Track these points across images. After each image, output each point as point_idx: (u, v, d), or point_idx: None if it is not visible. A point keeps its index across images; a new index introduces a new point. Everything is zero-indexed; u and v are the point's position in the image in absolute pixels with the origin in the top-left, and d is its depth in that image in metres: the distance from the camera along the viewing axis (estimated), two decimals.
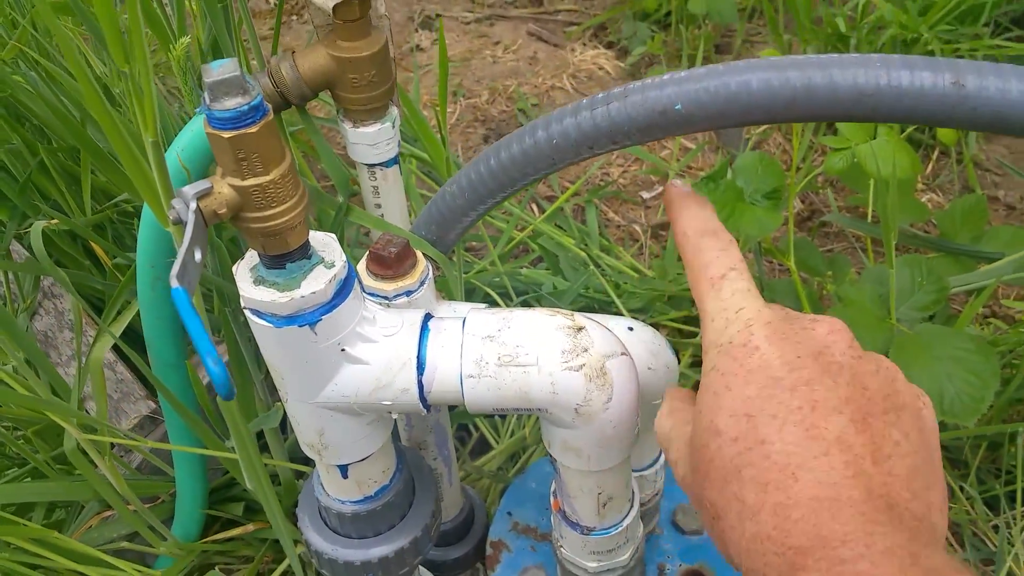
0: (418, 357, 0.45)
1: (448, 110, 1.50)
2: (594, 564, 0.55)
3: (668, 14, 1.60)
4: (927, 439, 0.35)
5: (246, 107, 0.35)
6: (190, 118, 0.59)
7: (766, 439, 0.33)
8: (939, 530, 0.33)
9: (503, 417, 0.95)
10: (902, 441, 0.34)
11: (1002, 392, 0.80)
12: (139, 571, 0.71)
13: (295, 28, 1.79)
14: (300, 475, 0.78)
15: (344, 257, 0.43)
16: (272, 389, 0.76)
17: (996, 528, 0.81)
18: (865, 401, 0.34)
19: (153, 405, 0.78)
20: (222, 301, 0.66)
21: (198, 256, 0.36)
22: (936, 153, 1.35)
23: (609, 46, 1.65)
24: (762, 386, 0.35)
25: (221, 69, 0.35)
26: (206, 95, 0.36)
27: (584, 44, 1.64)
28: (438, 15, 1.75)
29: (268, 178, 0.38)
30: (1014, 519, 0.81)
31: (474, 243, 1.19)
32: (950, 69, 0.36)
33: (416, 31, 1.71)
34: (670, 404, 0.43)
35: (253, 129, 0.36)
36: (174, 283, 0.33)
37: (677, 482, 0.40)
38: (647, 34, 1.57)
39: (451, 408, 0.86)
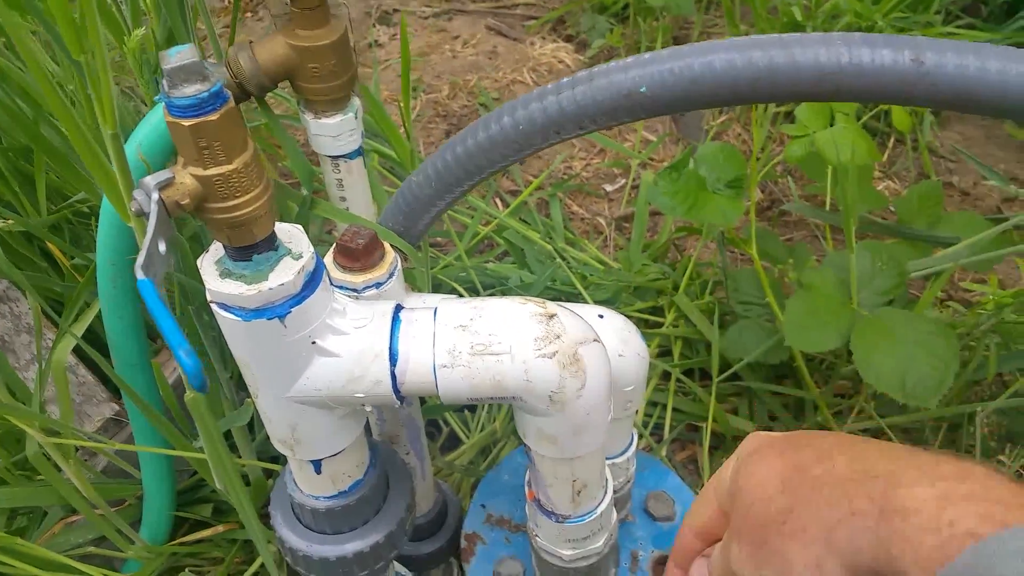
0: (390, 348, 0.45)
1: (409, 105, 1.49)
2: (569, 552, 0.55)
3: (626, 7, 1.61)
4: None
5: (206, 94, 0.35)
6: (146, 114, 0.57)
7: (810, 443, 0.39)
8: None
9: (473, 411, 0.95)
10: None
11: (961, 373, 0.82)
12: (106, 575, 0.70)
13: (249, 25, 1.77)
14: (270, 474, 0.77)
15: (312, 248, 0.43)
16: (239, 388, 0.75)
17: None
18: None
19: (117, 407, 0.77)
20: (184, 299, 0.65)
21: (162, 247, 0.36)
22: (892, 141, 1.37)
23: (568, 39, 1.65)
24: (785, 439, 0.41)
25: (179, 55, 0.34)
26: (165, 82, 0.35)
27: (543, 38, 1.65)
28: (396, 9, 1.74)
29: (231, 167, 0.37)
30: None
31: (440, 238, 1.18)
32: (910, 46, 0.36)
33: (374, 26, 1.70)
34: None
35: (214, 117, 0.35)
36: (140, 274, 0.33)
37: (737, 570, 0.39)
38: (606, 27, 1.58)
39: (422, 401, 0.86)
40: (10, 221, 0.77)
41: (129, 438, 0.73)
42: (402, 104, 0.66)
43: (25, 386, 0.70)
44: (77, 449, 0.73)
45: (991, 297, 0.77)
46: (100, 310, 0.63)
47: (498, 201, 1.28)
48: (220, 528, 0.75)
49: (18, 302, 0.85)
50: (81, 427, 0.75)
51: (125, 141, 0.56)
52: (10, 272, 0.67)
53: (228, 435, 0.73)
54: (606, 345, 0.48)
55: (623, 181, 1.34)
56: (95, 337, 0.67)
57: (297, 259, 0.42)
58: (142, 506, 0.74)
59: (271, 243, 0.42)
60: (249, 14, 1.81)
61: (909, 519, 0.30)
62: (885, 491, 0.31)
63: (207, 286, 0.41)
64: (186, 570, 0.70)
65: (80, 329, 0.64)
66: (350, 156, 0.61)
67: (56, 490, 0.64)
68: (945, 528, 0.29)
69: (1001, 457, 0.83)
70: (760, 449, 0.40)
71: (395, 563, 0.66)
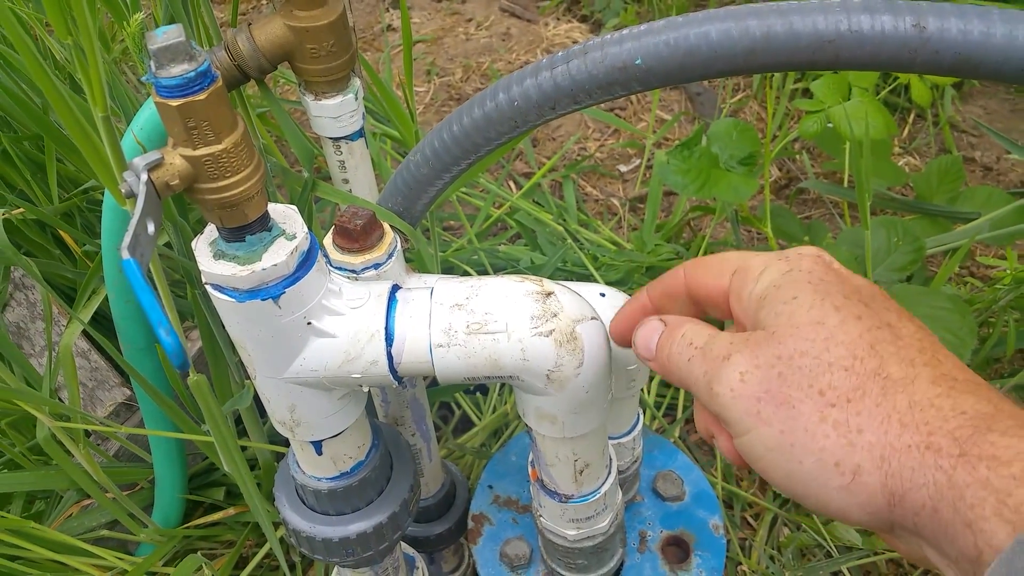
0: (386, 328, 0.45)
1: (422, 89, 1.49)
2: (573, 532, 0.55)
3: None
4: None
5: (193, 73, 0.34)
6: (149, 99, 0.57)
7: (891, 324, 0.33)
8: None
9: (485, 393, 0.95)
10: None
11: (979, 350, 0.81)
12: (120, 559, 0.71)
13: (265, 14, 1.77)
14: (280, 457, 0.78)
15: (306, 229, 0.43)
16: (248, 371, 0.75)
17: None
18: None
19: (129, 392, 0.77)
20: (191, 284, 0.65)
21: (151, 228, 0.36)
22: (912, 116, 1.35)
23: (583, 19, 1.63)
24: (859, 288, 0.35)
25: (166, 35, 0.34)
26: (152, 63, 0.35)
27: (557, 18, 1.63)
28: None
29: (220, 147, 0.37)
30: None
31: (452, 222, 1.18)
32: (911, 12, 0.35)
33: (387, 11, 1.69)
34: (697, 324, 0.40)
35: (201, 96, 0.35)
36: (124, 255, 0.33)
37: (721, 394, 0.34)
38: (620, 6, 1.56)
39: (432, 384, 0.86)
40: (21, 209, 0.78)
41: (141, 422, 0.74)
42: (404, 83, 0.66)
43: (37, 373, 0.71)
44: (90, 434, 0.74)
45: (1009, 272, 0.75)
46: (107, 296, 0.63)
47: (512, 184, 1.27)
48: (231, 511, 0.75)
49: (33, 290, 0.86)
50: (93, 412, 0.76)
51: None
52: (18, 259, 0.67)
53: (240, 420, 0.73)
54: (607, 323, 0.48)
55: (638, 161, 1.32)
56: (109, 323, 0.67)
57: (291, 240, 0.42)
58: (154, 490, 0.75)
59: (264, 223, 0.41)
60: (266, 1, 1.81)
61: (999, 469, 0.27)
62: (976, 434, 0.28)
63: (200, 267, 0.41)
64: (198, 553, 0.71)
65: (87, 315, 0.64)
66: (351, 137, 0.60)
67: (67, 474, 0.64)
68: None
69: None
70: (830, 290, 0.34)
71: (403, 544, 0.66)
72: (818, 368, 0.32)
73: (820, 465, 0.31)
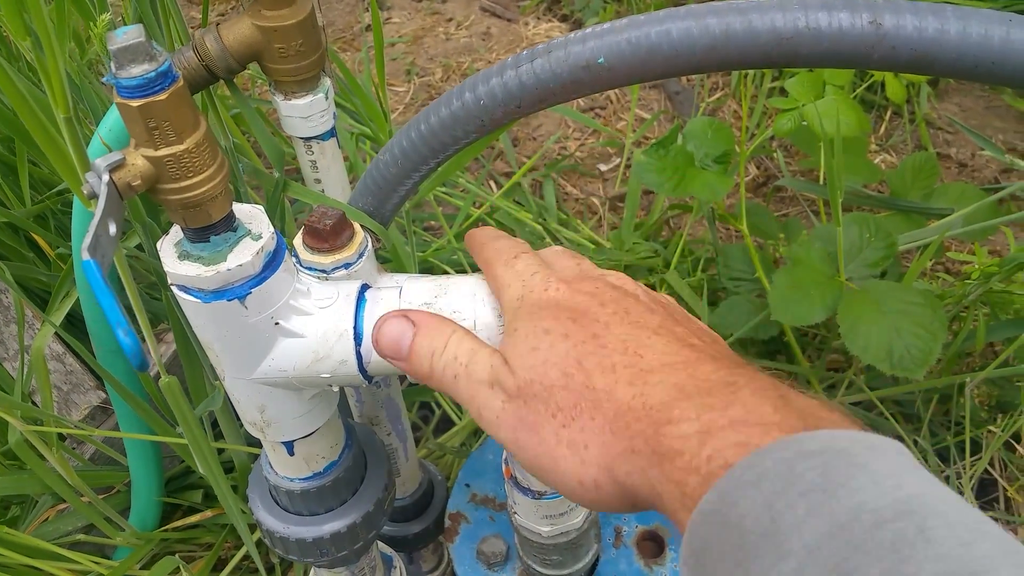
0: (355, 328, 0.45)
1: (402, 89, 1.49)
2: (547, 528, 0.55)
3: None
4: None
5: (153, 74, 0.34)
6: None
7: (597, 334, 0.34)
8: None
9: None
10: (711, 341, 0.36)
11: (950, 344, 0.81)
12: (96, 563, 0.70)
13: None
14: (256, 459, 0.78)
15: (272, 229, 0.42)
16: None
17: (947, 478, 0.83)
18: (668, 314, 0.37)
19: (104, 395, 0.77)
20: (164, 286, 0.65)
21: (112, 230, 0.35)
22: (889, 114, 1.36)
23: (563, 19, 1.64)
24: (574, 308, 0.36)
25: (126, 36, 0.34)
26: (112, 63, 0.35)
27: (538, 18, 1.63)
28: None
29: (182, 147, 0.37)
30: (964, 468, 0.83)
31: (433, 222, 1.18)
32: (867, 9, 0.36)
33: (366, 11, 1.68)
34: (458, 333, 0.41)
35: (162, 96, 0.35)
36: (85, 256, 0.32)
37: (490, 420, 0.36)
38: (600, 5, 1.56)
39: (412, 385, 0.86)
40: None
41: (116, 425, 0.73)
42: (376, 78, 0.66)
43: (10, 376, 0.71)
44: (64, 437, 0.74)
45: (977, 267, 0.76)
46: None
47: (492, 183, 1.28)
48: (209, 513, 0.75)
49: (7, 293, 0.85)
50: (69, 415, 0.76)
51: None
52: None
53: (216, 423, 0.73)
54: None
55: (617, 160, 1.33)
56: (85, 326, 0.67)
57: (257, 240, 0.42)
58: (131, 493, 0.74)
59: (229, 223, 0.41)
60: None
61: (675, 461, 0.29)
62: (656, 431, 0.30)
63: (165, 268, 0.41)
64: (175, 555, 0.70)
65: (58, 318, 0.64)
66: (323, 137, 0.60)
67: (40, 478, 0.64)
68: (704, 465, 0.28)
69: (992, 427, 0.82)
70: (543, 315, 0.36)
71: (381, 544, 0.66)
72: (545, 392, 0.34)
73: (567, 485, 0.34)
